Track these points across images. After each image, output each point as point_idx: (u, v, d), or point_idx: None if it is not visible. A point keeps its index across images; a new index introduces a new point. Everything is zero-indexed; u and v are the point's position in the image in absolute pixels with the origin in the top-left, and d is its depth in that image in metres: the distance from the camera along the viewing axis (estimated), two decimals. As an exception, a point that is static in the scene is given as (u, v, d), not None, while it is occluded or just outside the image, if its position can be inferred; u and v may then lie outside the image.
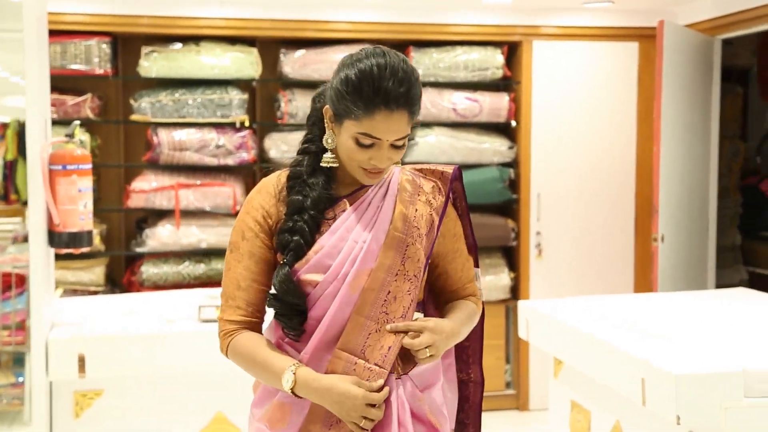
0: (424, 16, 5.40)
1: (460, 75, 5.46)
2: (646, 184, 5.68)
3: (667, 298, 4.01)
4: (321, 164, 1.90)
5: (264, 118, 5.44)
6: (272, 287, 1.88)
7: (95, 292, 5.04)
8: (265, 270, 1.90)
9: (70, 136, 3.37)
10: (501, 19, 5.51)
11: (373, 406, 1.76)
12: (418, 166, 2.00)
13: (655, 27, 5.57)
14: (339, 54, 5.33)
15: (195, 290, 4.10)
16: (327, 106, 1.88)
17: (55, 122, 4.66)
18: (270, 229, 1.90)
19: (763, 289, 4.30)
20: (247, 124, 5.20)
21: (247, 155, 5.21)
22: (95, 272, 5.07)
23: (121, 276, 5.31)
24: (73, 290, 5.00)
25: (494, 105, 5.52)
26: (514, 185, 5.62)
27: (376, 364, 1.82)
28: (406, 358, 1.87)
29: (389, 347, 1.83)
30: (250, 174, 5.46)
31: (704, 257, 5.43)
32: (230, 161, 5.19)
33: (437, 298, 2.03)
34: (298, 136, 5.28)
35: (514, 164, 5.61)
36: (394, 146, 1.83)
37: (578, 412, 3.64)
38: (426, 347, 1.79)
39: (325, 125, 1.89)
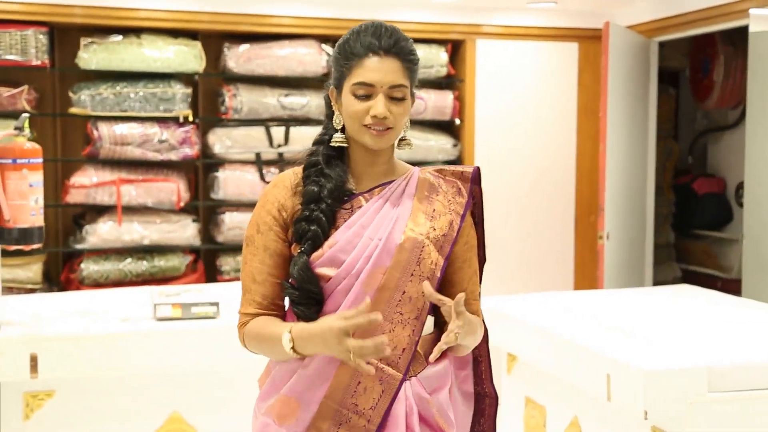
0: (368, 12, 5.39)
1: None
2: (586, 182, 5.79)
3: (616, 294, 4.07)
4: (331, 144, 1.89)
5: (206, 112, 5.35)
6: (290, 276, 1.85)
7: (32, 290, 4.89)
8: (280, 263, 1.87)
9: (20, 128, 3.24)
10: (445, 17, 5.54)
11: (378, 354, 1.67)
12: (438, 167, 1.99)
13: (594, 28, 5.69)
14: (284, 49, 5.29)
15: (145, 287, 4.00)
16: (331, 88, 1.90)
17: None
18: (285, 222, 1.87)
19: (696, 286, 4.42)
20: (190, 118, 5.10)
21: (191, 150, 5.12)
22: (32, 269, 4.92)
23: (59, 273, 5.15)
24: (8, 288, 4.84)
25: (439, 103, 5.54)
26: (457, 183, 5.64)
27: (388, 365, 1.80)
28: (416, 360, 1.86)
29: (403, 349, 1.81)
30: (193, 169, 5.36)
31: (642, 254, 5.56)
32: (173, 156, 5.09)
33: (437, 309, 1.93)
34: (243, 132, 5.22)
35: (458, 162, 5.64)
36: (392, 98, 1.83)
37: (533, 407, 3.67)
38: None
39: (333, 107, 1.91)
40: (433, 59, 5.52)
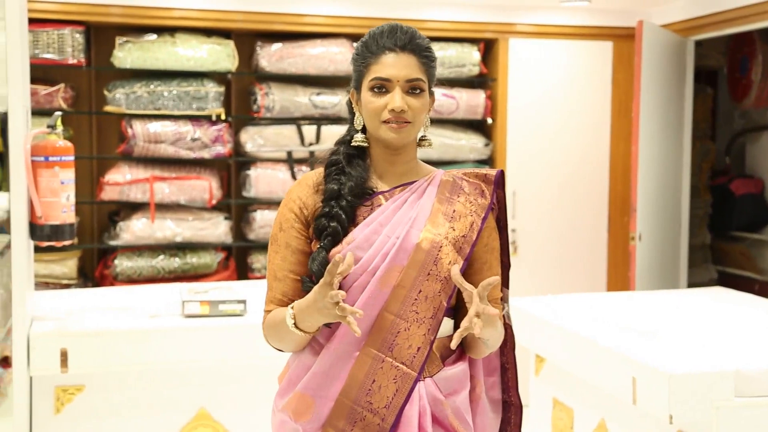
0: (401, 11, 5.38)
1: (437, 71, 5.43)
2: (620, 182, 5.74)
3: (647, 296, 4.04)
4: (352, 144, 1.93)
5: (239, 111, 5.38)
6: (309, 272, 1.87)
7: (67, 286, 4.96)
8: (302, 260, 1.90)
9: (53, 127, 3.29)
10: (478, 16, 5.52)
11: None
12: (462, 170, 2.00)
13: (629, 27, 5.63)
14: (316, 48, 5.30)
15: (175, 284, 4.04)
16: (351, 90, 1.94)
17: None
18: (306, 219, 1.91)
19: (732, 288, 4.36)
20: (223, 117, 5.14)
21: (223, 149, 5.15)
22: (68, 265, 4.98)
23: (94, 269, 5.22)
24: (44, 283, 4.91)
25: (471, 102, 5.52)
26: (489, 182, 5.62)
27: (403, 363, 1.81)
28: (432, 361, 1.86)
29: (418, 348, 1.82)
30: (225, 167, 5.40)
31: (677, 256, 5.49)
32: (206, 154, 5.13)
33: (457, 312, 1.94)
34: (274, 130, 5.24)
35: (490, 161, 5.62)
36: (409, 93, 1.85)
37: (560, 410, 3.65)
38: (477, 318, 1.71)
39: (353, 108, 1.94)
40: (465, 58, 5.50)
